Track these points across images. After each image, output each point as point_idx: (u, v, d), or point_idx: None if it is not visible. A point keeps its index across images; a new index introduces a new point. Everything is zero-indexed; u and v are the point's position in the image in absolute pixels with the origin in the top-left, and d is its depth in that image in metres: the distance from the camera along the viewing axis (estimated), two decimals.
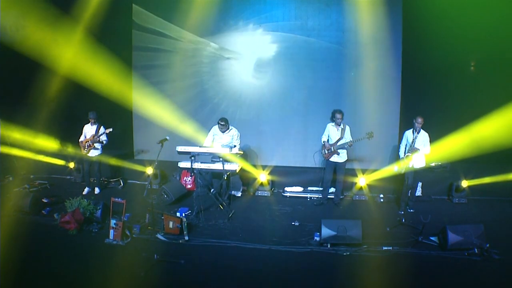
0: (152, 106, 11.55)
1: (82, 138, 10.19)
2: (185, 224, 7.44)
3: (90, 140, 9.99)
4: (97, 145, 10.09)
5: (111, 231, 7.27)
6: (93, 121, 10.06)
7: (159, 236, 7.52)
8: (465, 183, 9.94)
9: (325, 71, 11.29)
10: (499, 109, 9.53)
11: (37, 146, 11.31)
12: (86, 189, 10.23)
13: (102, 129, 9.97)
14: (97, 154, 10.16)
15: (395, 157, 9.94)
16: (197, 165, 8.53)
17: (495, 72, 10.16)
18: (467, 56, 10.75)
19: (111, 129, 9.90)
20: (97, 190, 10.30)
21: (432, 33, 10.24)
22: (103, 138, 9.99)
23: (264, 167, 10.76)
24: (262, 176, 10.49)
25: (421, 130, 8.86)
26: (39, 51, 10.62)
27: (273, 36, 11.44)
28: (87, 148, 10.03)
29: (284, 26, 11.35)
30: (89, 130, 10.14)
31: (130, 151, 12.37)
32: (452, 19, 9.93)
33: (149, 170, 9.52)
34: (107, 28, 11.34)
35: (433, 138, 9.07)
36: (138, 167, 11.13)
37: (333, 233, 7.10)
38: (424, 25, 10.29)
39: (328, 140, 9.47)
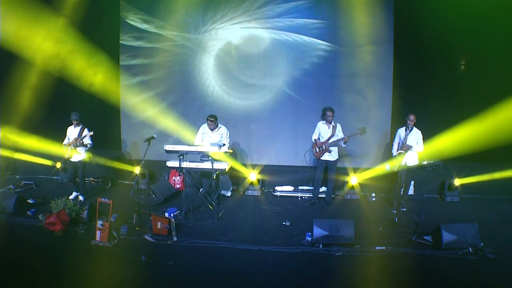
0: (140, 104, 11.42)
1: (66, 141, 9.49)
2: (174, 224, 7.31)
3: (73, 143, 9.25)
4: (80, 149, 9.33)
5: (98, 232, 7.09)
6: (76, 122, 9.34)
7: (147, 237, 7.36)
8: (457, 182, 9.94)
9: (316, 69, 11.22)
10: (491, 107, 9.48)
11: (21, 145, 11.03)
12: (74, 193, 9.63)
13: (86, 131, 9.30)
14: (80, 159, 9.42)
15: (388, 155, 9.88)
16: (185, 164, 8.38)
17: (487, 71, 10.12)
18: (459, 54, 10.76)
19: (91, 133, 9.25)
20: (81, 198, 9.56)
21: (424, 31, 10.27)
22: (87, 141, 9.28)
23: (254, 166, 10.66)
24: (252, 175, 10.38)
25: (414, 127, 8.85)
26: (19, 44, 10.28)
27: (262, 33, 11.32)
28: (69, 152, 9.32)
29: (274, 23, 11.23)
30: (72, 132, 9.41)
31: (118, 150, 12.18)
32: (444, 17, 9.92)
33: (137, 170, 9.36)
34: (94, 24, 11.17)
35: (425, 136, 9.02)
36: (126, 167, 10.98)
37: (325, 233, 7.00)
38: (416, 23, 10.36)
39: (318, 138, 9.35)
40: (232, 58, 11.54)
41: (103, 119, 11.55)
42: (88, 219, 7.84)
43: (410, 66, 10.68)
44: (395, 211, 9.06)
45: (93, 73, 10.95)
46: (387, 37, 10.82)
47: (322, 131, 9.33)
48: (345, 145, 9.22)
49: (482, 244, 6.82)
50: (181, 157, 8.29)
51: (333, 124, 9.25)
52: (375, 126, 10.83)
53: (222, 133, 9.37)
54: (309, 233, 7.23)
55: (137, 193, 8.32)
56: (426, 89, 10.66)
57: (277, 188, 10.51)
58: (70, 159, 9.44)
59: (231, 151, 9.50)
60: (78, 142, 9.24)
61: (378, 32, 10.77)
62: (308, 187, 10.36)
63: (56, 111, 10.99)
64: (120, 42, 11.80)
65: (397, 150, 8.97)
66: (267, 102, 11.52)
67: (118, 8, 11.68)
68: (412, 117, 8.75)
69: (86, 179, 9.97)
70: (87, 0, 10.90)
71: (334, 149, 9.30)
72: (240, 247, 7.13)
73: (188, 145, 8.65)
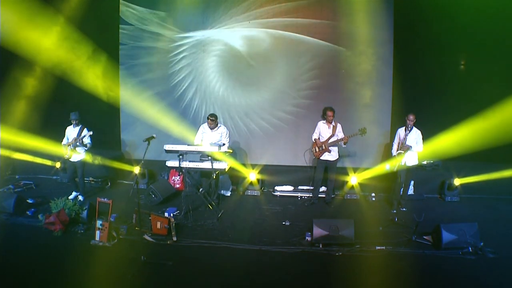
0: (140, 104, 11.39)
1: (64, 141, 9.41)
2: (173, 224, 7.30)
3: (72, 143, 9.15)
4: (79, 149, 9.26)
5: (97, 232, 7.10)
6: (75, 122, 9.24)
7: (146, 237, 7.35)
8: (457, 181, 9.92)
9: (316, 68, 11.19)
10: (491, 107, 9.47)
11: (21, 145, 10.99)
12: (73, 193, 9.60)
13: (85, 131, 9.20)
14: (80, 159, 9.34)
15: (387, 155, 9.86)
16: (185, 164, 8.35)
17: (487, 71, 10.10)
18: (459, 54, 10.75)
19: (91, 132, 9.16)
20: (80, 198, 9.49)
21: (423, 31, 10.29)
22: (87, 141, 9.17)
23: (253, 166, 10.65)
24: (252, 175, 10.36)
25: (414, 127, 8.84)
26: (19, 44, 10.25)
27: (262, 33, 11.29)
28: (69, 152, 9.24)
29: (274, 22, 11.20)
30: (71, 132, 9.32)
31: (118, 150, 12.15)
32: (444, 18, 9.93)
33: (136, 169, 9.34)
34: (94, 24, 11.17)
35: (425, 136, 9.02)
36: (126, 166, 10.97)
37: (325, 232, 6.98)
38: (416, 23, 10.35)
39: (319, 138, 9.33)
40: (232, 57, 11.50)
41: (103, 119, 11.52)
42: (88, 219, 7.84)
43: (410, 66, 10.64)
44: (395, 211, 9.05)
45: (92, 73, 10.95)
46: (387, 37, 10.80)
47: (322, 130, 9.32)
48: (345, 146, 9.20)
49: (482, 244, 6.83)
50: (180, 156, 8.27)
51: (334, 124, 9.23)
52: (375, 126, 10.82)
53: (221, 132, 9.34)
54: (309, 233, 7.23)
55: (136, 193, 8.30)
56: (426, 89, 10.62)
57: (277, 188, 10.49)
58: (70, 159, 9.40)
59: (231, 150, 9.48)
60: (77, 142, 9.18)
61: (378, 32, 10.78)
62: (308, 187, 10.34)
63: (55, 110, 10.91)
64: (120, 42, 11.77)
65: (397, 150, 8.97)
66: (267, 102, 11.49)
67: (118, 8, 11.64)
68: (411, 117, 8.75)
69: (85, 179, 9.93)
70: (87, 0, 10.89)
71: (334, 149, 9.28)
72: (240, 247, 7.11)
73: (188, 145, 8.64)
